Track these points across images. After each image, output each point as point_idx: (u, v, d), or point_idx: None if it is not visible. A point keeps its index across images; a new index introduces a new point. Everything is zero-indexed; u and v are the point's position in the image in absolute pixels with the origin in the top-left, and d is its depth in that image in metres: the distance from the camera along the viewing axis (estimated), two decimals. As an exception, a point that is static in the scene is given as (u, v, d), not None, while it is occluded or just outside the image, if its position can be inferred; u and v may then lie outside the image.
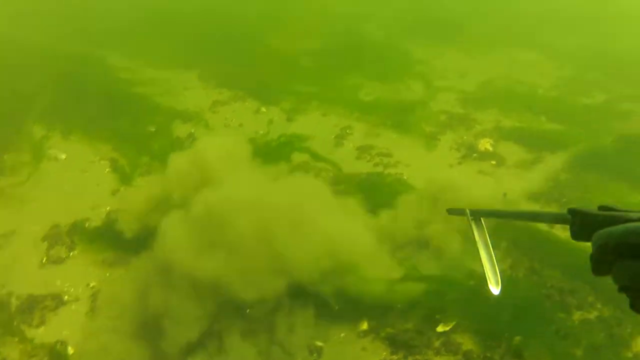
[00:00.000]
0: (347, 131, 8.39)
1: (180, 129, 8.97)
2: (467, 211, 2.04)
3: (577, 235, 1.24)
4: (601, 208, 1.21)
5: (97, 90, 10.49)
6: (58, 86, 10.64)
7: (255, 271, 4.94)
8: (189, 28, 12.83)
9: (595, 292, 5.69)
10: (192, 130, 8.86)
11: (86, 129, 9.38)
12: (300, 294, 5.28)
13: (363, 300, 5.28)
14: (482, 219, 2.01)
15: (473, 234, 1.95)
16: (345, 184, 6.97)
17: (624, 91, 10.81)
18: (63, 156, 8.96)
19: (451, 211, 2.38)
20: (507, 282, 5.71)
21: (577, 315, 5.40)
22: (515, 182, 7.20)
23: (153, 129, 9.10)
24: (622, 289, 1.03)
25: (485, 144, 8.08)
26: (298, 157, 7.60)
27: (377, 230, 5.95)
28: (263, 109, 9.27)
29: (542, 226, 6.35)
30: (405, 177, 7.22)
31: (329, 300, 5.25)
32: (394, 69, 10.68)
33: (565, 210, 1.32)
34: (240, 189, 5.58)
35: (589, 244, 1.15)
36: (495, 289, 1.87)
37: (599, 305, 5.53)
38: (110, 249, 6.60)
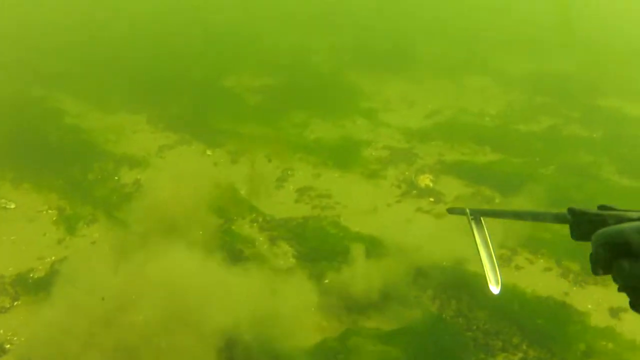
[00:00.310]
0: (289, 173, 8.47)
1: (127, 176, 9.00)
2: (467, 210, 2.04)
3: (576, 235, 1.25)
4: (601, 207, 1.21)
5: (47, 136, 10.50)
6: (7, 132, 10.64)
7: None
8: (139, 70, 12.89)
9: (521, 333, 5.77)
10: (138, 177, 8.89)
11: (36, 177, 9.37)
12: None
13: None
14: (482, 218, 2.02)
15: (473, 233, 1.97)
16: (280, 229, 7.03)
17: (570, 114, 11.05)
18: (12, 206, 8.96)
19: (451, 211, 2.39)
20: (434, 326, 5.76)
21: (500, 358, 5.47)
22: (449, 220, 7.28)
23: (100, 176, 9.12)
24: (622, 288, 1.03)
25: (425, 180, 8.20)
26: (236, 206, 7.64)
27: (308, 282, 6.02)
28: (209, 152, 9.34)
29: (472, 267, 6.42)
30: (341, 219, 7.29)
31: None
32: (340, 104, 10.84)
33: (564, 210, 1.33)
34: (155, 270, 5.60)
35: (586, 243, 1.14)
36: (495, 289, 1.85)
37: (524, 347, 5.60)
38: (53, 298, 6.63)
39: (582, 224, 1.23)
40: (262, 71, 12.44)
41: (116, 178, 8.95)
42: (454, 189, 8.06)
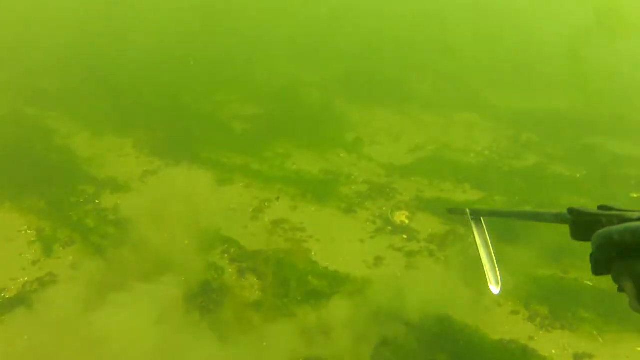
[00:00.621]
0: (266, 204, 8.69)
1: (107, 200, 9.24)
2: (468, 211, 2.14)
3: (576, 235, 1.30)
4: (601, 208, 1.26)
5: (34, 156, 10.79)
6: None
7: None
8: (129, 94, 13.22)
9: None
10: (118, 202, 9.12)
11: (19, 197, 9.62)
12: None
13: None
14: (482, 218, 2.12)
15: (473, 233, 2.04)
16: (250, 262, 7.23)
17: (555, 153, 11.25)
18: (-7, 225, 9.21)
19: (452, 211, 2.46)
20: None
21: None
22: (419, 259, 7.49)
23: (81, 199, 9.36)
24: (622, 289, 1.06)
25: (401, 217, 8.39)
26: (210, 236, 7.84)
27: (269, 318, 6.19)
28: (190, 180, 9.58)
29: (433, 309, 6.56)
30: (312, 254, 7.49)
31: None
32: (326, 136, 11.08)
33: (565, 210, 1.37)
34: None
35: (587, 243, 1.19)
36: (495, 289, 1.92)
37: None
38: (22, 320, 6.81)
39: (582, 224, 1.30)
40: (251, 100, 12.75)
41: (97, 202, 9.19)
42: (429, 226, 8.25)
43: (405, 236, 8.00)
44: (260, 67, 14.82)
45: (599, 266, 1.15)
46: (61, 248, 8.29)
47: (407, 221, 8.32)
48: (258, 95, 12.95)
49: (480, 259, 2.02)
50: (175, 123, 11.69)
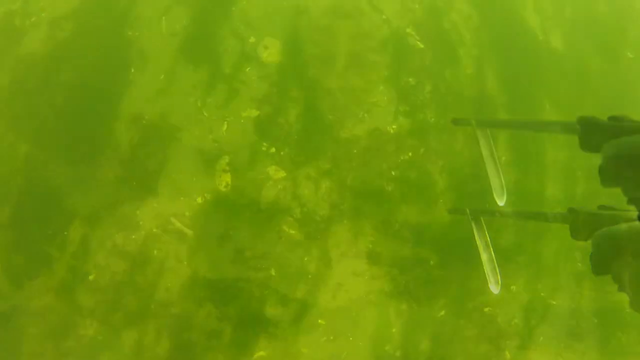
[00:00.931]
0: (231, 232, 8.99)
1: (76, 232, 9.53)
2: (468, 210, 2.36)
3: (577, 234, 1.42)
4: (601, 207, 1.40)
5: (5, 186, 11.11)
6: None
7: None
8: (110, 117, 13.51)
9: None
10: (86, 233, 9.45)
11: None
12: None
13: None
14: (482, 219, 2.30)
15: (474, 233, 2.24)
16: (207, 290, 7.54)
17: (535, 169, 11.44)
18: (-35, 260, 9.58)
19: (452, 211, 2.67)
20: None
21: None
22: (381, 282, 7.77)
23: (50, 231, 9.69)
24: (622, 288, 1.19)
25: (365, 241, 8.68)
26: (173, 265, 8.16)
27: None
28: (156, 205, 9.88)
29: (389, 338, 6.83)
30: (271, 282, 7.79)
31: None
32: (305, 156, 11.26)
33: (565, 210, 1.51)
34: None
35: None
36: (495, 288, 2.10)
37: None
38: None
39: (582, 223, 1.46)
40: (234, 120, 12.95)
41: (65, 233, 9.51)
42: (393, 250, 8.50)
43: (367, 261, 8.29)
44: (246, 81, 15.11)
45: (599, 266, 1.27)
46: (28, 281, 8.62)
47: (371, 245, 8.60)
48: (241, 114, 13.15)
49: (481, 259, 2.16)
50: (152, 147, 11.94)
